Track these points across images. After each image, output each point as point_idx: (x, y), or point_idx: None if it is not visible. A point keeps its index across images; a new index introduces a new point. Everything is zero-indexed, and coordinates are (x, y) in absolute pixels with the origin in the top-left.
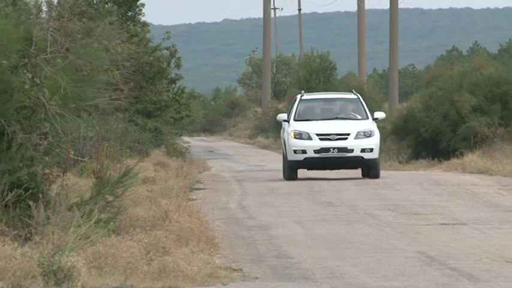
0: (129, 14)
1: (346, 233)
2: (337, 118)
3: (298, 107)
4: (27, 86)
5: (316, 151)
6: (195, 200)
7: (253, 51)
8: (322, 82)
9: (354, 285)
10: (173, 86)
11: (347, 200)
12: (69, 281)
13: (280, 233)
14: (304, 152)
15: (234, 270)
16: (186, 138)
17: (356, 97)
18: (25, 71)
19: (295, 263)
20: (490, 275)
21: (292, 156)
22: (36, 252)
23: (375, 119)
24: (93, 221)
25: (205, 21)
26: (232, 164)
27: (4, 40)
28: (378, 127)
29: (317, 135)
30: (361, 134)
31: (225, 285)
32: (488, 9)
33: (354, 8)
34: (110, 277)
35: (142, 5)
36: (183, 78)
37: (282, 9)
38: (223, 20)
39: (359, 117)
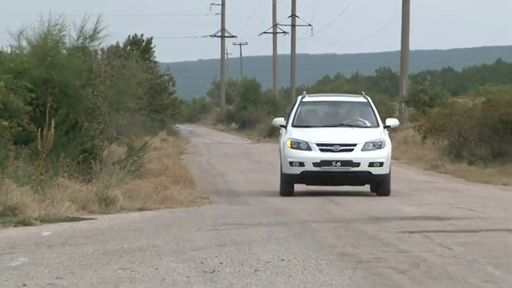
0: (147, 55)
1: (268, 178)
2: (342, 125)
3: (298, 111)
4: (89, 96)
5: (315, 164)
6: (183, 159)
7: (215, 77)
8: (252, 94)
9: (272, 206)
10: (171, 96)
11: (268, 160)
12: (113, 204)
13: (231, 178)
14: (301, 164)
15: (204, 198)
16: (177, 125)
17: (366, 101)
18: (88, 88)
19: (239, 194)
20: None
21: (287, 169)
22: (94, 188)
23: (386, 127)
24: (126, 171)
25: (189, 60)
26: (203, 139)
27: (77, 71)
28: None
29: (317, 145)
30: (370, 144)
31: (199, 206)
32: None
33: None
34: (135, 202)
35: (153, 51)
36: (176, 92)
37: (231, 53)
38: (198, 59)
39: (368, 124)
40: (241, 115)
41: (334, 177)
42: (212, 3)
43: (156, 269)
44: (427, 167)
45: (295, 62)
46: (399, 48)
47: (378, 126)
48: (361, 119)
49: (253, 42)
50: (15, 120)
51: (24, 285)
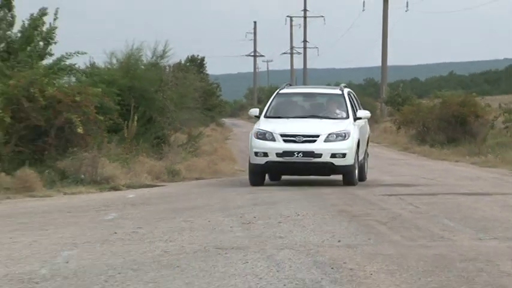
0: (201, 69)
1: None
2: (312, 116)
3: (273, 102)
4: (160, 99)
5: (278, 154)
6: (227, 143)
7: (249, 85)
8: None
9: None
10: (218, 98)
11: None
12: (177, 175)
13: None
14: (266, 154)
15: (243, 171)
16: (223, 119)
17: (340, 93)
18: (160, 93)
19: None
20: None
21: (253, 159)
22: (164, 163)
23: (357, 119)
24: (186, 151)
25: (231, 72)
26: (241, 129)
27: (151, 80)
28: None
29: (281, 136)
30: (334, 136)
31: (239, 177)
32: None
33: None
34: (193, 174)
35: (205, 66)
36: (221, 95)
37: (260, 68)
38: (238, 72)
39: (339, 115)
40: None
41: (297, 168)
42: (247, 32)
43: (208, 221)
44: (400, 148)
45: (306, 74)
46: (380, 64)
47: (348, 117)
48: (332, 111)
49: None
50: (108, 116)
51: (115, 232)
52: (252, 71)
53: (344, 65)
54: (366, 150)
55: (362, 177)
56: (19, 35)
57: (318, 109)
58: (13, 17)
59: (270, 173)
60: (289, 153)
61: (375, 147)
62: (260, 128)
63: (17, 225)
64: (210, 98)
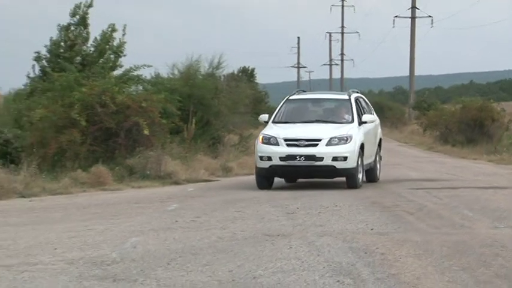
0: (251, 79)
1: None
2: (318, 121)
3: (282, 108)
4: (216, 105)
5: (281, 158)
6: None
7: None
8: None
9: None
10: (266, 104)
11: None
12: (230, 171)
13: None
14: (269, 158)
15: None
16: None
17: (347, 98)
18: (215, 99)
19: None
20: None
21: (259, 163)
22: (219, 161)
23: (362, 123)
24: (238, 150)
25: (277, 81)
26: None
27: (208, 89)
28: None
29: (285, 140)
30: (336, 140)
31: None
32: None
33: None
34: (244, 170)
35: (255, 75)
36: (269, 101)
37: (303, 77)
38: (283, 81)
39: (344, 120)
40: None
41: (299, 171)
42: (292, 46)
43: (257, 211)
44: (425, 148)
45: (343, 83)
46: (408, 73)
47: (352, 121)
48: (338, 115)
49: (317, 70)
50: (170, 120)
51: (177, 221)
52: (296, 80)
53: (376, 75)
54: (377, 153)
55: (373, 178)
56: (93, 49)
57: (324, 114)
58: (88, 33)
59: (274, 176)
60: (292, 157)
61: (404, 147)
62: (265, 133)
63: (91, 215)
64: (259, 104)
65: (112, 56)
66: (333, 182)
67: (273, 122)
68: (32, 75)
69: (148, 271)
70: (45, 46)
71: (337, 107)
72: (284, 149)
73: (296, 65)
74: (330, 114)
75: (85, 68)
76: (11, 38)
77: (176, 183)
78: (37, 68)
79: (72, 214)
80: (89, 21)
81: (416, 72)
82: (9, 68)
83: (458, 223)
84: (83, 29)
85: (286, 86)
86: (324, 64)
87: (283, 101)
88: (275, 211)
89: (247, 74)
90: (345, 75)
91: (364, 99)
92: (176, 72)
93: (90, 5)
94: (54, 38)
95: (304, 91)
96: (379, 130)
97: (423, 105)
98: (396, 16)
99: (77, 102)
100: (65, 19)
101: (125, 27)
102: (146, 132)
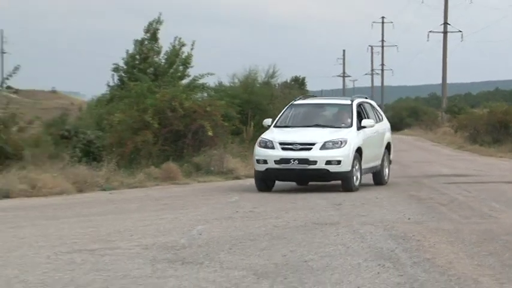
0: (302, 86)
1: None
2: (317, 125)
3: (285, 113)
4: (271, 109)
5: (276, 161)
6: None
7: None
8: None
9: None
10: None
11: None
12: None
13: None
14: (265, 162)
15: None
16: None
17: (349, 103)
18: (271, 105)
19: None
20: None
21: (256, 166)
22: None
23: (362, 128)
24: None
25: (325, 89)
26: None
27: (264, 95)
28: None
29: (280, 144)
30: (330, 144)
31: None
32: None
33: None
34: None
35: (306, 83)
36: None
37: (347, 85)
38: (330, 89)
39: (343, 124)
40: None
41: (294, 174)
42: (338, 58)
43: (308, 203)
44: (456, 147)
45: (383, 91)
46: (441, 81)
47: (351, 126)
48: (337, 120)
49: (360, 79)
50: (231, 122)
51: (237, 211)
52: (341, 87)
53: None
54: (384, 156)
55: (380, 181)
56: (164, 61)
57: (324, 119)
58: (159, 47)
59: (270, 179)
60: (286, 161)
61: (437, 146)
62: (263, 137)
63: (162, 206)
64: None
65: (181, 67)
66: (369, 182)
67: (275, 126)
68: (111, 84)
69: (213, 255)
70: (122, 59)
71: (338, 112)
72: (279, 153)
73: (342, 75)
74: (330, 119)
75: (157, 78)
76: (93, 52)
77: (237, 178)
78: (115, 78)
79: (146, 205)
80: (160, 36)
81: (448, 80)
82: (92, 78)
83: (486, 213)
84: (154, 43)
85: (333, 93)
86: (366, 74)
87: (288, 106)
88: (323, 203)
89: (298, 82)
90: (385, 83)
91: (371, 105)
92: (236, 80)
93: (160, 23)
94: (130, 52)
95: (314, 96)
96: (388, 134)
97: (454, 110)
98: (430, 31)
99: (150, 107)
100: (139, 35)
101: (193, 43)
102: (210, 133)
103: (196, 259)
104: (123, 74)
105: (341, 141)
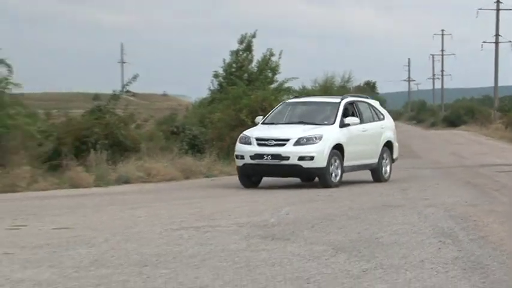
0: (374, 89)
1: (433, 146)
2: (300, 122)
3: (275, 110)
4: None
5: (252, 157)
6: None
7: (406, 101)
8: (423, 107)
9: (431, 160)
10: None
11: (436, 139)
12: None
13: (415, 146)
14: (242, 157)
15: (401, 155)
16: None
17: (337, 102)
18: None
19: (416, 155)
20: None
21: (236, 161)
22: None
23: (345, 125)
24: None
25: (393, 91)
26: (400, 128)
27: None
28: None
29: (256, 140)
30: (304, 140)
31: (397, 160)
32: None
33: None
34: None
35: (376, 87)
36: (386, 107)
37: (412, 88)
38: (400, 91)
39: (326, 122)
40: (414, 117)
41: (267, 170)
42: (404, 65)
43: (377, 188)
44: (507, 141)
45: (443, 93)
46: (493, 84)
47: (333, 123)
48: (321, 117)
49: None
50: None
51: (318, 195)
52: (407, 90)
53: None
54: (384, 154)
55: (378, 178)
56: (256, 68)
57: (309, 116)
58: (252, 56)
59: (247, 174)
60: (260, 156)
61: (490, 140)
62: (244, 133)
63: (255, 190)
64: None
65: (270, 73)
66: (431, 170)
67: (263, 123)
68: (212, 88)
69: (298, 232)
70: (221, 67)
71: (325, 110)
72: (254, 148)
73: (407, 79)
74: (315, 117)
75: (250, 83)
76: (197, 60)
77: None
78: (215, 83)
79: (241, 190)
80: (253, 47)
81: (500, 83)
82: (196, 83)
83: None
84: (248, 53)
85: (400, 95)
86: (429, 78)
87: (280, 103)
88: (391, 188)
89: (370, 86)
90: (444, 87)
91: (369, 104)
92: (317, 84)
93: (253, 36)
94: (228, 61)
95: (314, 95)
96: (388, 133)
97: (505, 108)
98: (484, 41)
99: (244, 107)
100: (234, 46)
101: (280, 53)
102: None
103: (284, 235)
104: (222, 80)
105: (315, 138)
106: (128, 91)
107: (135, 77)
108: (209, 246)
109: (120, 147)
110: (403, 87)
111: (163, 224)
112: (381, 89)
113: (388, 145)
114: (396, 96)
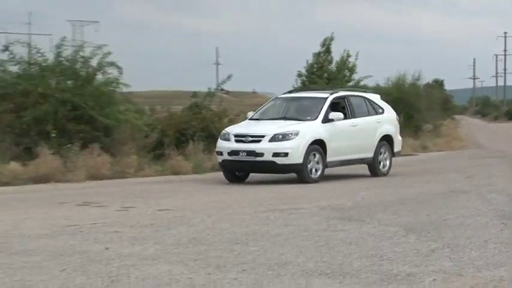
0: (441, 86)
1: (494, 137)
2: (284, 118)
3: (265, 106)
4: (417, 104)
5: (229, 153)
6: (457, 130)
7: (470, 97)
8: (487, 102)
9: (495, 149)
10: (451, 103)
11: (493, 132)
12: (427, 149)
13: (481, 138)
14: (221, 153)
15: (466, 146)
16: (454, 116)
17: (325, 97)
18: (416, 101)
19: (481, 145)
20: None
21: (217, 158)
22: (419, 141)
23: (329, 121)
24: (432, 135)
25: (459, 88)
26: (466, 121)
27: (411, 94)
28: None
29: (234, 136)
30: (279, 136)
31: (463, 150)
32: None
33: None
34: (437, 148)
35: (444, 84)
36: (453, 101)
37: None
38: (463, 88)
39: (308, 117)
40: (479, 111)
41: (244, 166)
42: (469, 65)
43: (445, 176)
44: None
45: (505, 90)
46: None
47: (316, 119)
48: (305, 113)
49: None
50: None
51: (391, 181)
52: (472, 87)
53: None
54: (381, 149)
55: (375, 173)
56: (334, 68)
57: (293, 112)
58: (331, 58)
59: (226, 170)
60: (236, 152)
61: None
62: (225, 129)
63: (334, 178)
64: (446, 103)
65: (347, 73)
66: (495, 159)
67: (250, 119)
68: (295, 86)
69: (372, 214)
70: (304, 67)
71: (311, 105)
72: (232, 145)
73: (472, 77)
74: (300, 112)
75: (329, 81)
76: (282, 61)
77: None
78: (299, 82)
79: (323, 178)
80: (332, 49)
81: None
82: (282, 81)
83: None
84: (327, 54)
85: (465, 92)
86: (492, 76)
87: (271, 99)
88: (458, 176)
89: (438, 83)
90: (507, 84)
91: (365, 98)
92: (390, 82)
93: (332, 39)
94: (310, 62)
95: (314, 89)
96: (386, 127)
97: None
98: None
99: None
100: (316, 49)
101: (357, 54)
102: None
103: (359, 217)
104: (304, 79)
105: (291, 134)
106: (222, 89)
107: (229, 77)
108: (293, 226)
109: (214, 139)
110: (468, 85)
111: (252, 206)
112: (449, 85)
113: (388, 139)
114: (462, 93)
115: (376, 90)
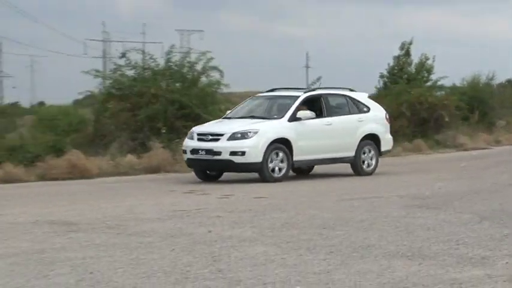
0: None
1: None
2: (252, 117)
3: (240, 105)
4: (491, 102)
5: (191, 152)
6: None
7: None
8: None
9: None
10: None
11: None
12: (499, 143)
13: None
14: (185, 152)
15: (498, 141)
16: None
17: (297, 95)
18: (490, 99)
19: None
20: None
21: (183, 156)
22: (491, 136)
23: (296, 119)
24: (505, 130)
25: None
26: None
27: (486, 92)
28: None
29: (197, 135)
30: (238, 134)
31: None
32: None
33: None
34: (509, 142)
35: None
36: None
37: None
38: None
39: (275, 116)
40: None
41: (203, 165)
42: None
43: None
44: None
45: None
46: None
47: (282, 118)
48: (273, 111)
49: None
50: (461, 112)
51: (465, 171)
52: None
53: None
54: (365, 148)
55: (357, 171)
56: (413, 70)
57: (263, 110)
58: (410, 60)
59: (192, 168)
60: (195, 151)
61: None
62: (192, 128)
63: (412, 170)
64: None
65: (426, 74)
66: None
67: (223, 117)
68: (378, 86)
69: (448, 203)
70: (385, 69)
71: (282, 104)
72: (194, 143)
73: None
74: (269, 111)
75: (409, 82)
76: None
77: (465, 150)
78: (381, 82)
79: (398, 169)
80: (411, 52)
81: None
82: (366, 82)
83: None
84: (407, 57)
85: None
86: None
87: (249, 98)
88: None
89: (511, 83)
90: None
91: (347, 97)
92: (465, 82)
93: (410, 43)
94: (391, 64)
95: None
96: (370, 126)
97: None
98: None
99: (404, 102)
100: (396, 52)
101: (434, 57)
102: (447, 119)
103: (437, 205)
104: (386, 80)
105: (250, 132)
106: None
107: (318, 79)
108: (375, 213)
109: None
110: None
111: (338, 194)
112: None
113: (373, 138)
114: None
115: (452, 89)
